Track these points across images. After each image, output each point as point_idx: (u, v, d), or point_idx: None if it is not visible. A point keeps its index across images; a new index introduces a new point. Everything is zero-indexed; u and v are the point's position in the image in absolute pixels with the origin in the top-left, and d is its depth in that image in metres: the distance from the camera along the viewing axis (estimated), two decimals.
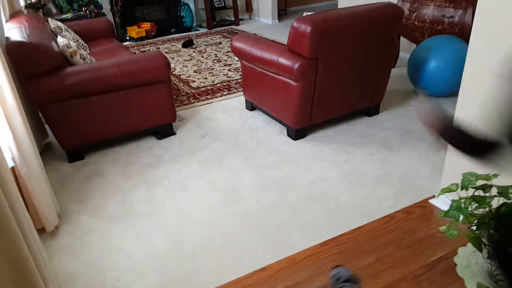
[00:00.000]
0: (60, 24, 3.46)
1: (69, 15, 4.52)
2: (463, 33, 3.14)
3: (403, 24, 3.64)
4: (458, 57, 2.91)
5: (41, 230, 1.96)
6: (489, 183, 1.00)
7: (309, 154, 2.58)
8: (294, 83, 2.50)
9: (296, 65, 2.40)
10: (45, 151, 2.80)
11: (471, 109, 1.58)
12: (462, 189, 1.01)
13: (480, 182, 1.01)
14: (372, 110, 3.02)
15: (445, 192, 1.05)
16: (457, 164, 1.67)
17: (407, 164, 2.40)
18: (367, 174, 2.30)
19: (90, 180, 2.43)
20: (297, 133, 2.74)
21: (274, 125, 3.01)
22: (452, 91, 3.13)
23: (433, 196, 1.67)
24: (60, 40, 2.62)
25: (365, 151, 2.58)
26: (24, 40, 2.27)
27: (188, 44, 5.42)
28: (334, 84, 2.61)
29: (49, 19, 3.60)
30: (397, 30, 2.68)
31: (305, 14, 3.48)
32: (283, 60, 2.50)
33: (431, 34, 3.43)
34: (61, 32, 3.37)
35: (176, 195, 2.25)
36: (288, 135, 2.82)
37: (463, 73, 1.59)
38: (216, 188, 2.29)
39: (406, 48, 4.16)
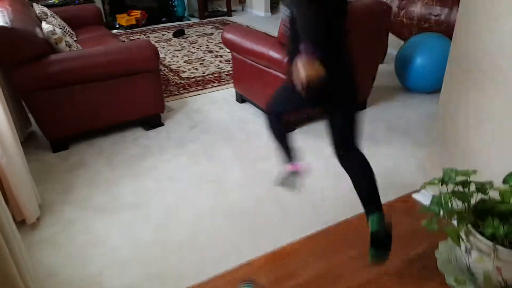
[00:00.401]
0: (45, 9, 3.38)
1: (55, 1, 4.42)
2: (449, 31, 3.16)
3: (391, 21, 3.64)
4: (443, 55, 2.91)
5: (22, 222, 1.92)
6: (468, 179, 1.00)
7: (299, 148, 2.57)
8: (285, 77, 2.48)
9: (286, 59, 2.38)
10: (28, 140, 2.74)
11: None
12: (442, 184, 1.02)
13: (460, 178, 1.01)
14: (358, 105, 3.02)
15: (426, 185, 1.06)
16: (440, 160, 1.69)
17: (392, 159, 2.42)
18: None
19: (74, 171, 2.40)
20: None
21: (264, 118, 2.99)
22: (437, 88, 3.15)
23: (417, 191, 1.68)
24: (44, 26, 2.56)
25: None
26: (6, 25, 2.20)
27: (179, 33, 5.36)
28: None
29: (34, 4, 3.51)
30: (385, 27, 2.67)
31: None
32: (273, 54, 2.48)
33: (418, 32, 3.44)
34: (46, 18, 3.29)
35: (164, 187, 2.23)
36: None
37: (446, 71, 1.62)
38: (204, 180, 2.28)
39: (394, 44, 4.16)
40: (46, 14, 3.29)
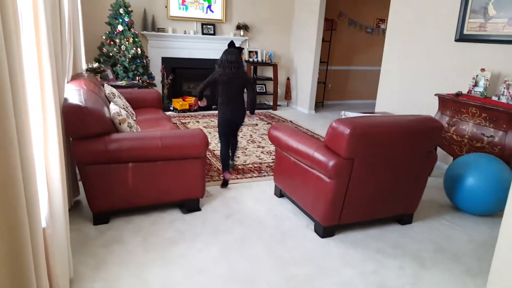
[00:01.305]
0: (114, 90, 3.74)
1: (123, 83, 4.91)
2: (503, 154, 3.12)
3: (441, 136, 3.67)
4: (498, 178, 2.85)
5: None
6: None
7: (336, 256, 2.46)
8: (328, 180, 2.49)
9: (331, 163, 2.42)
10: (72, 208, 2.83)
11: None
12: None
13: None
14: (404, 219, 2.92)
15: None
16: None
17: (441, 286, 2.23)
18: None
19: (109, 246, 2.40)
20: (325, 231, 2.65)
21: (301, 217, 2.95)
22: (490, 212, 3.02)
23: None
24: (112, 107, 2.81)
25: (395, 263, 2.43)
26: (80, 104, 2.42)
27: None
28: (368, 187, 2.58)
29: (105, 84, 3.91)
30: (435, 144, 2.69)
31: (342, 113, 3.61)
32: (318, 155, 2.52)
33: (470, 150, 3.42)
34: (114, 98, 3.63)
35: (192, 279, 2.15)
36: (316, 231, 2.73)
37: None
38: (233, 279, 2.18)
39: (442, 158, 4.14)
40: (114, 95, 3.64)
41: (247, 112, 3.70)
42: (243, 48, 4.27)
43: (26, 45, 1.61)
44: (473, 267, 2.43)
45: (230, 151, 3.67)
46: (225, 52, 3.42)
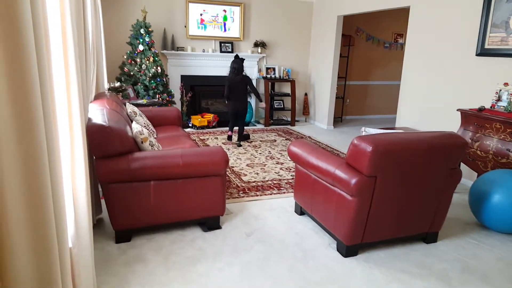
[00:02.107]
0: (135, 109, 3.82)
1: (144, 101, 5.01)
2: None
3: (465, 152, 3.59)
4: None
5: None
6: None
7: (359, 277, 2.40)
8: (350, 198, 2.45)
9: (354, 180, 2.39)
10: (95, 226, 2.87)
11: None
12: None
13: None
14: (429, 237, 2.84)
15: None
16: None
17: None
18: None
19: (131, 265, 2.41)
20: (348, 250, 2.60)
21: (323, 235, 2.90)
22: None
23: None
24: (134, 126, 2.86)
25: (421, 284, 2.35)
26: (104, 123, 2.47)
27: (244, 138, 5.69)
28: (391, 205, 2.53)
29: (127, 102, 4.00)
30: (459, 160, 2.63)
31: (363, 129, 3.57)
32: (340, 173, 2.50)
33: (495, 166, 3.33)
34: (136, 116, 3.71)
35: None
36: (338, 250, 2.68)
37: None
38: None
39: (466, 174, 4.03)
40: (135, 113, 3.72)
41: (257, 101, 6.17)
42: (244, 59, 5.45)
43: (55, 68, 1.67)
44: (503, 287, 2.34)
45: (236, 134, 5.63)
46: (232, 62, 5.27)
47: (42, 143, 1.16)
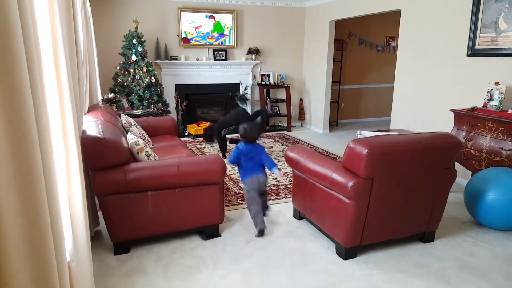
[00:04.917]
0: (130, 119, 3.83)
1: (139, 111, 5.02)
2: None
3: (459, 151, 3.62)
4: None
5: None
6: None
7: (359, 279, 2.40)
8: (347, 201, 2.46)
9: (350, 183, 2.40)
10: (93, 239, 2.85)
11: None
12: None
13: None
14: (427, 237, 2.85)
15: None
16: None
17: None
18: None
19: (131, 277, 2.40)
20: (347, 253, 2.60)
21: (322, 239, 2.90)
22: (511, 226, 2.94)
23: None
24: (130, 137, 2.87)
25: (420, 283, 2.36)
26: (99, 135, 2.45)
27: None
28: (388, 206, 2.54)
29: (121, 113, 4.01)
30: (453, 160, 2.65)
31: (358, 133, 3.59)
32: (337, 176, 2.51)
33: (489, 164, 3.35)
34: (131, 127, 3.71)
35: None
36: (337, 253, 2.69)
37: None
38: None
39: (461, 173, 4.06)
40: (130, 124, 3.72)
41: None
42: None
43: (48, 81, 1.67)
44: (500, 284, 2.35)
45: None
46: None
47: (36, 157, 1.16)
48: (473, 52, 3.93)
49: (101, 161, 2.45)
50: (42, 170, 1.18)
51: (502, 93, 3.50)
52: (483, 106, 3.64)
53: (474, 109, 3.60)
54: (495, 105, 3.53)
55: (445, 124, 4.26)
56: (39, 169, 1.16)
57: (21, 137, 1.11)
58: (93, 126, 2.63)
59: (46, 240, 1.16)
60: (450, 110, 3.83)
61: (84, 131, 2.53)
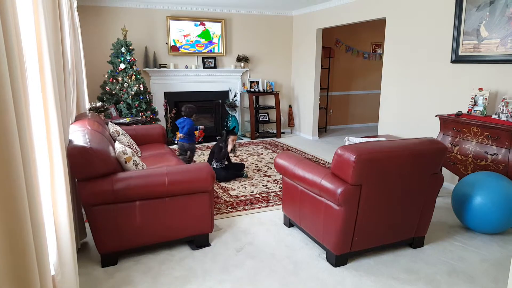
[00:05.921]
0: (118, 128, 3.79)
1: (127, 120, 4.97)
2: (507, 171, 3.10)
3: (445, 157, 3.66)
4: (505, 195, 2.82)
5: None
6: None
7: (350, 286, 2.40)
8: (337, 207, 2.46)
9: (339, 190, 2.40)
10: (79, 251, 2.80)
11: None
12: None
13: None
14: (416, 242, 2.86)
15: None
16: None
17: None
18: None
19: None
20: (337, 260, 2.60)
21: (312, 246, 2.90)
22: (500, 230, 2.97)
23: None
24: (117, 146, 2.83)
25: None
26: (85, 145, 2.41)
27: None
28: (377, 212, 2.55)
29: (109, 122, 3.96)
30: (440, 165, 2.68)
31: (346, 139, 3.61)
32: (326, 183, 2.51)
33: (475, 169, 3.40)
34: (118, 136, 3.67)
35: None
36: (328, 260, 2.68)
37: None
38: None
39: (448, 178, 4.10)
40: (118, 133, 3.68)
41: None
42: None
43: (31, 88, 1.65)
44: (488, 287, 2.37)
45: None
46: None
47: (18, 167, 1.13)
48: (457, 59, 4.01)
49: (88, 171, 2.41)
50: (23, 179, 1.15)
51: (486, 98, 3.57)
52: (468, 112, 3.70)
53: (459, 114, 3.66)
54: (479, 111, 3.59)
55: (431, 129, 4.32)
56: (21, 179, 1.14)
57: (1, 146, 1.09)
58: (80, 135, 2.60)
59: (28, 252, 1.13)
60: (436, 116, 3.88)
61: (70, 141, 2.49)
